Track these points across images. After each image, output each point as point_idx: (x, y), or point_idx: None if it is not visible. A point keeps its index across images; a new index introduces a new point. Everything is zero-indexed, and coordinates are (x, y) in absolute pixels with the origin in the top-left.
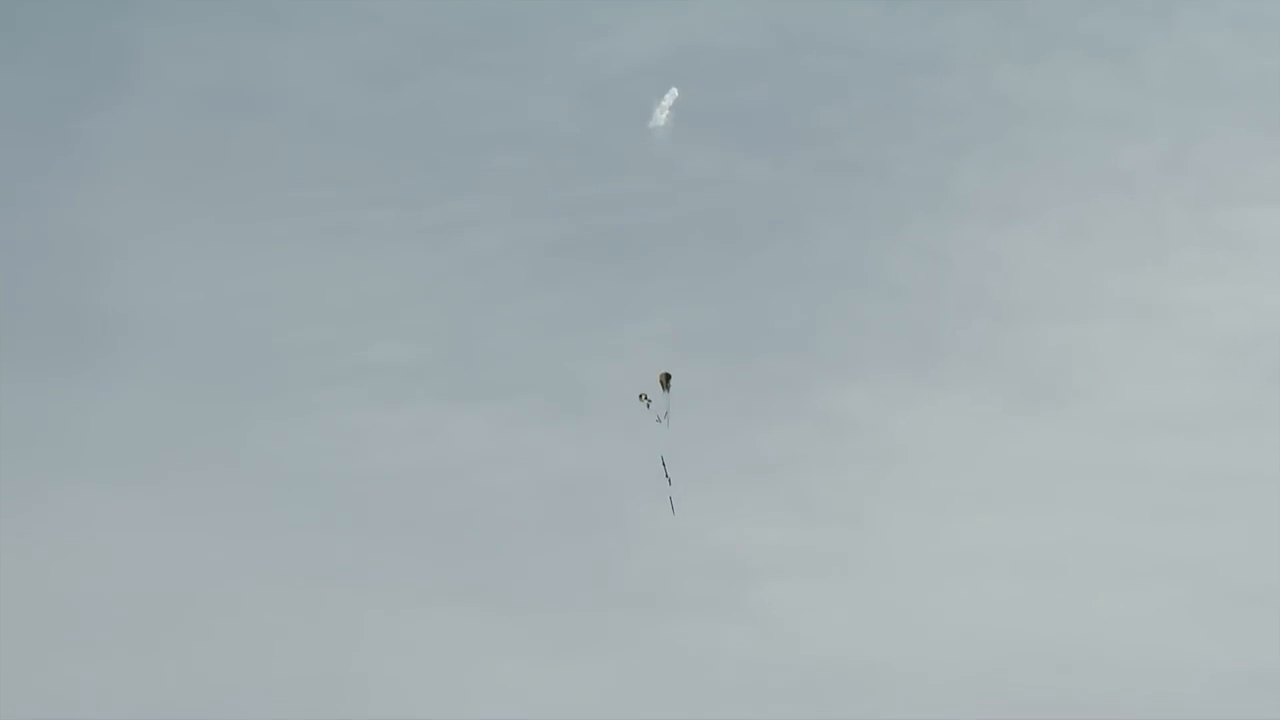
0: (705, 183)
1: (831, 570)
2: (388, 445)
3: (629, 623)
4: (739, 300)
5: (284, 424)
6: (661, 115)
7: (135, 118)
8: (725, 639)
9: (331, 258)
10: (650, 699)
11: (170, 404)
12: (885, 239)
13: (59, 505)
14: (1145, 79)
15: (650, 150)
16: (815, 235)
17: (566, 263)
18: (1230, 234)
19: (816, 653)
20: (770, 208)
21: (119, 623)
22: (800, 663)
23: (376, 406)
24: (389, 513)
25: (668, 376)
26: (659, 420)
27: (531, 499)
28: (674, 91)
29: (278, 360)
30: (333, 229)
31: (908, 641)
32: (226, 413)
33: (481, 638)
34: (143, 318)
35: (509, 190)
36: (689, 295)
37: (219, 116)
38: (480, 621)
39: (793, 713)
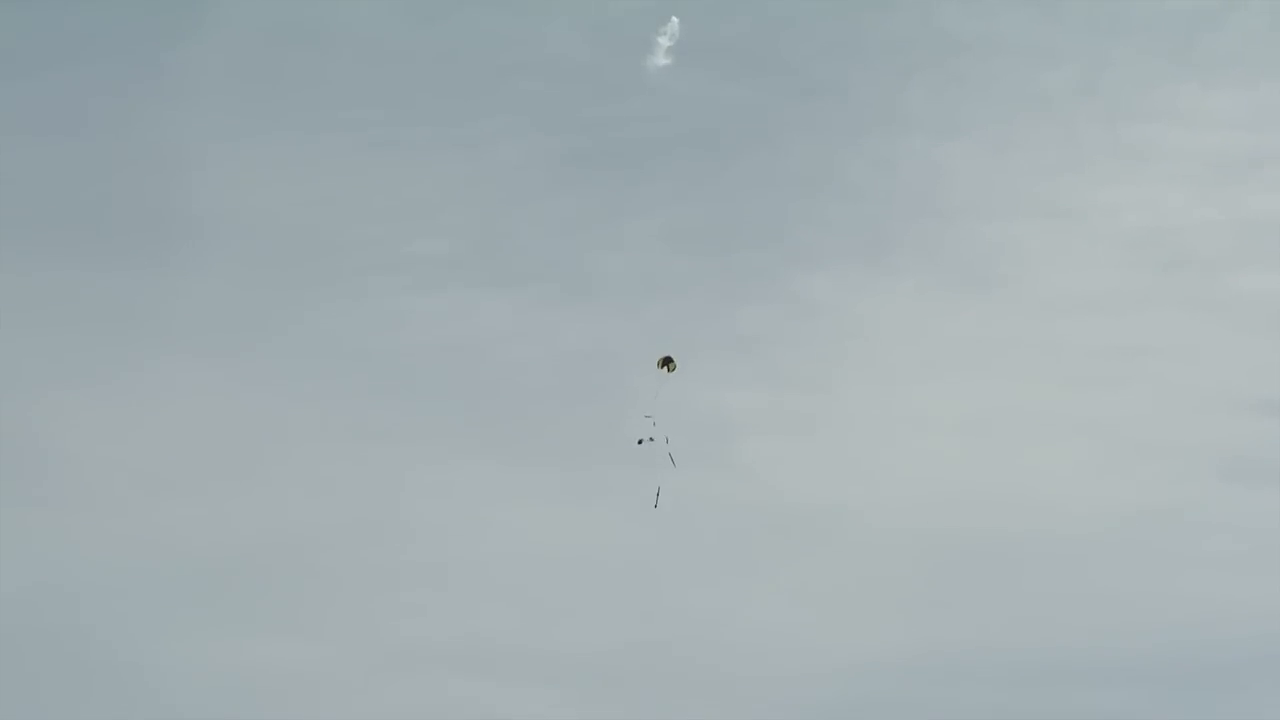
0: (694, 104)
1: (801, 430)
2: (426, 326)
3: (628, 474)
4: (721, 202)
5: (338, 307)
6: (663, 47)
7: (211, 49)
8: (710, 488)
9: (378, 167)
10: (647, 539)
11: (242, 290)
12: (844, 150)
13: (149, 374)
14: (1064, 15)
15: (649, 78)
16: (786, 147)
17: (577, 171)
18: (1135, 146)
19: (787, 498)
20: (748, 125)
21: (198, 473)
22: (775, 508)
23: (416, 293)
24: (426, 382)
25: (668, 360)
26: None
27: (546, 371)
28: (674, 20)
29: (332, 253)
30: (379, 143)
31: (866, 489)
32: (289, 297)
33: (503, 487)
34: (219, 217)
35: (529, 110)
36: (680, 198)
37: (282, 48)
38: (502, 474)
39: (768, 549)
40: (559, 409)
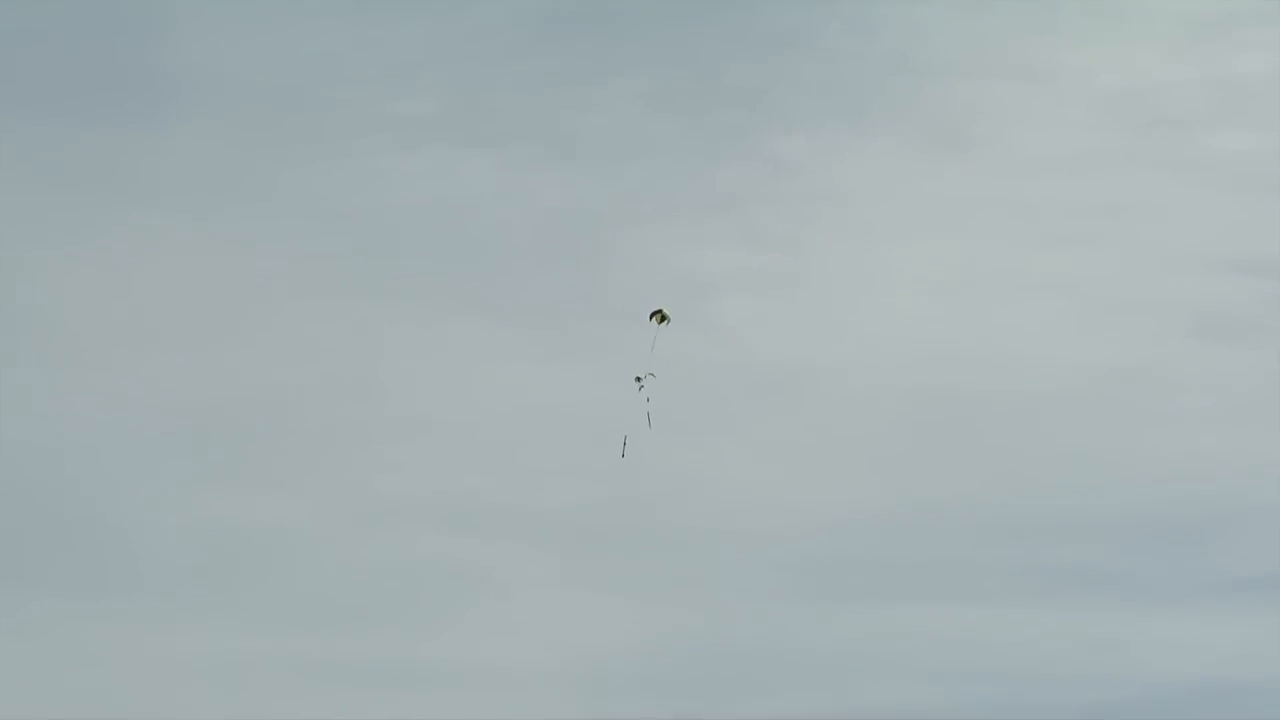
0: None
1: (778, 289)
2: (407, 185)
3: (608, 331)
4: (701, 63)
5: (318, 166)
6: None
7: None
8: (688, 345)
9: (359, 26)
10: (626, 397)
11: (223, 148)
12: (822, 11)
13: (129, 232)
14: None
15: None
16: (764, 8)
17: (559, 31)
18: (1111, 6)
19: (764, 357)
20: None
21: (179, 330)
22: (750, 365)
23: (397, 152)
24: (407, 241)
25: (661, 314)
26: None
27: (528, 229)
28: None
29: (316, 112)
30: (361, 1)
31: (842, 348)
32: (270, 156)
33: (486, 344)
34: (199, 75)
35: None
36: (660, 59)
37: None
38: (485, 331)
39: (745, 408)
40: (539, 268)
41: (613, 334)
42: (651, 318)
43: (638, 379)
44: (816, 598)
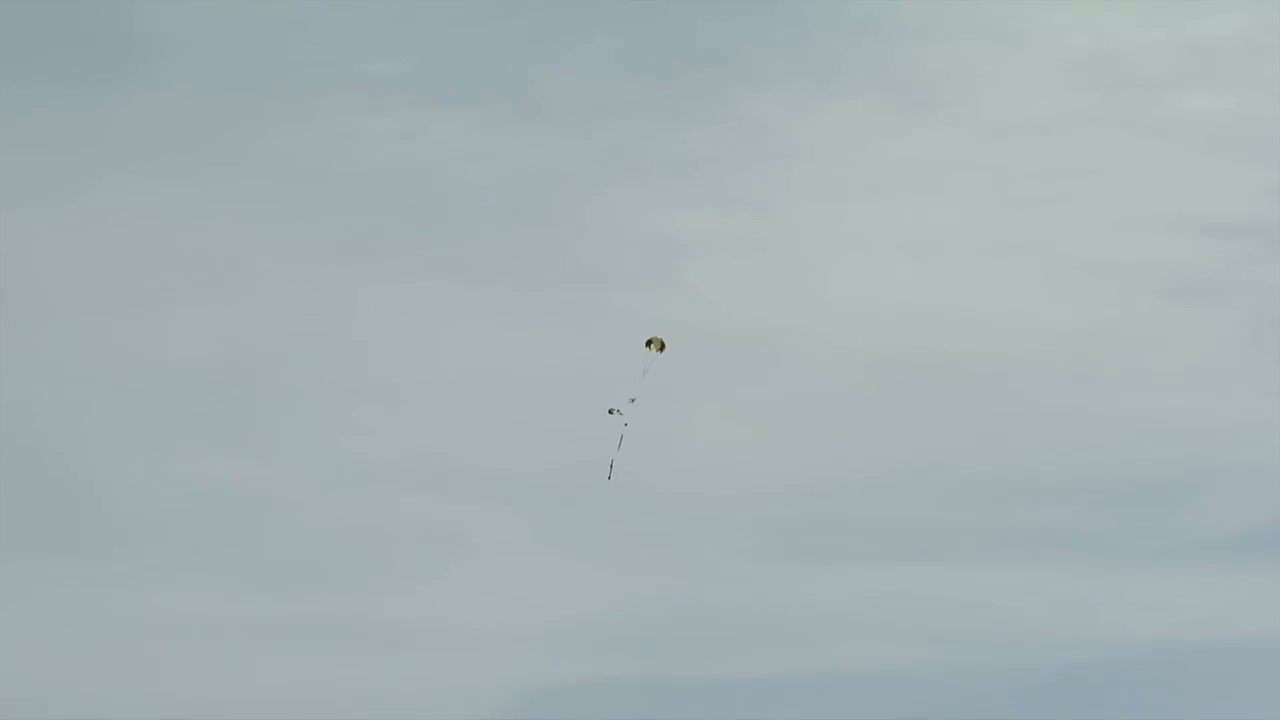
0: None
1: (747, 250)
2: (377, 146)
3: (578, 294)
4: (671, 25)
5: (289, 128)
6: None
7: None
8: (658, 307)
9: None
10: (596, 357)
11: (194, 111)
12: None
13: (103, 194)
14: None
15: None
16: None
17: None
18: None
19: (734, 319)
20: None
21: (152, 292)
22: (720, 327)
23: (368, 113)
24: (377, 202)
25: (658, 343)
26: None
27: (498, 190)
28: None
29: (287, 74)
30: None
31: (811, 310)
32: (241, 118)
33: (456, 306)
34: (172, 38)
35: None
36: (630, 21)
37: None
38: (455, 293)
39: (715, 369)
40: (510, 229)
41: (583, 296)
42: (648, 345)
43: (611, 410)
44: (788, 559)
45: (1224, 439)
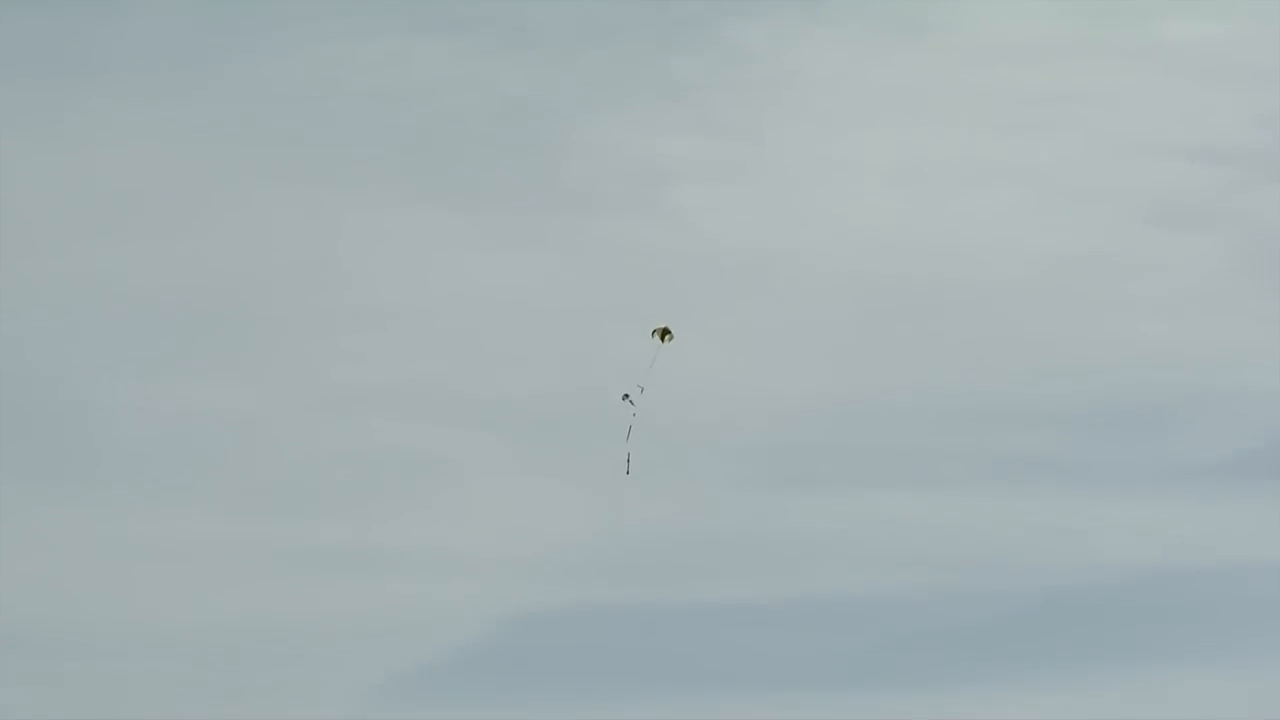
0: None
1: (734, 176)
2: (364, 71)
3: (565, 220)
4: None
5: (275, 52)
6: None
7: None
8: (644, 234)
9: None
10: (583, 284)
11: (179, 34)
12: None
13: (86, 117)
14: None
15: None
16: None
17: None
18: None
19: (721, 245)
20: None
21: (137, 217)
22: (706, 254)
23: (354, 38)
24: (364, 128)
25: (664, 332)
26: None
27: (485, 117)
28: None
29: None
30: None
31: (799, 236)
32: (226, 43)
33: (442, 233)
34: None
35: None
36: None
37: None
38: (441, 219)
39: (701, 296)
40: (497, 156)
41: (570, 222)
42: (654, 335)
43: (625, 396)
44: (774, 485)
45: (1211, 365)
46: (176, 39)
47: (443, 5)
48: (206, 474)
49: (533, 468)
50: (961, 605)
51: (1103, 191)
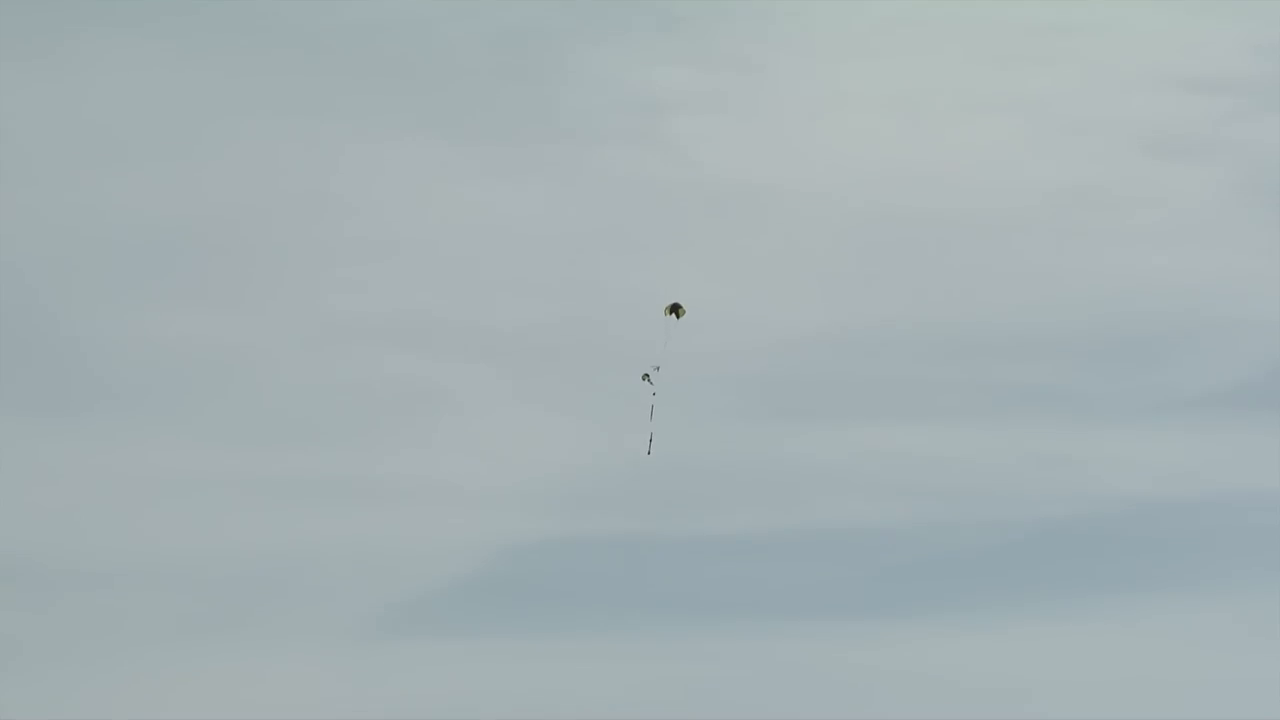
0: None
1: (731, 107)
2: (363, 1)
3: (563, 151)
4: None
5: None
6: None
7: None
8: (642, 165)
9: None
10: (580, 215)
11: None
12: None
13: (87, 47)
14: None
15: None
16: None
17: None
18: None
19: (718, 176)
20: None
21: (138, 147)
22: (704, 185)
23: None
24: (364, 59)
25: (676, 307)
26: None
27: (483, 48)
28: None
29: None
30: None
31: (795, 167)
32: None
33: (440, 164)
34: None
35: None
36: None
37: None
38: (439, 150)
39: (699, 226)
40: (494, 86)
41: (567, 153)
42: (669, 312)
43: (645, 376)
44: (770, 416)
45: (1208, 295)
46: None
47: None
48: (205, 405)
49: (531, 398)
50: (956, 535)
51: (1100, 122)
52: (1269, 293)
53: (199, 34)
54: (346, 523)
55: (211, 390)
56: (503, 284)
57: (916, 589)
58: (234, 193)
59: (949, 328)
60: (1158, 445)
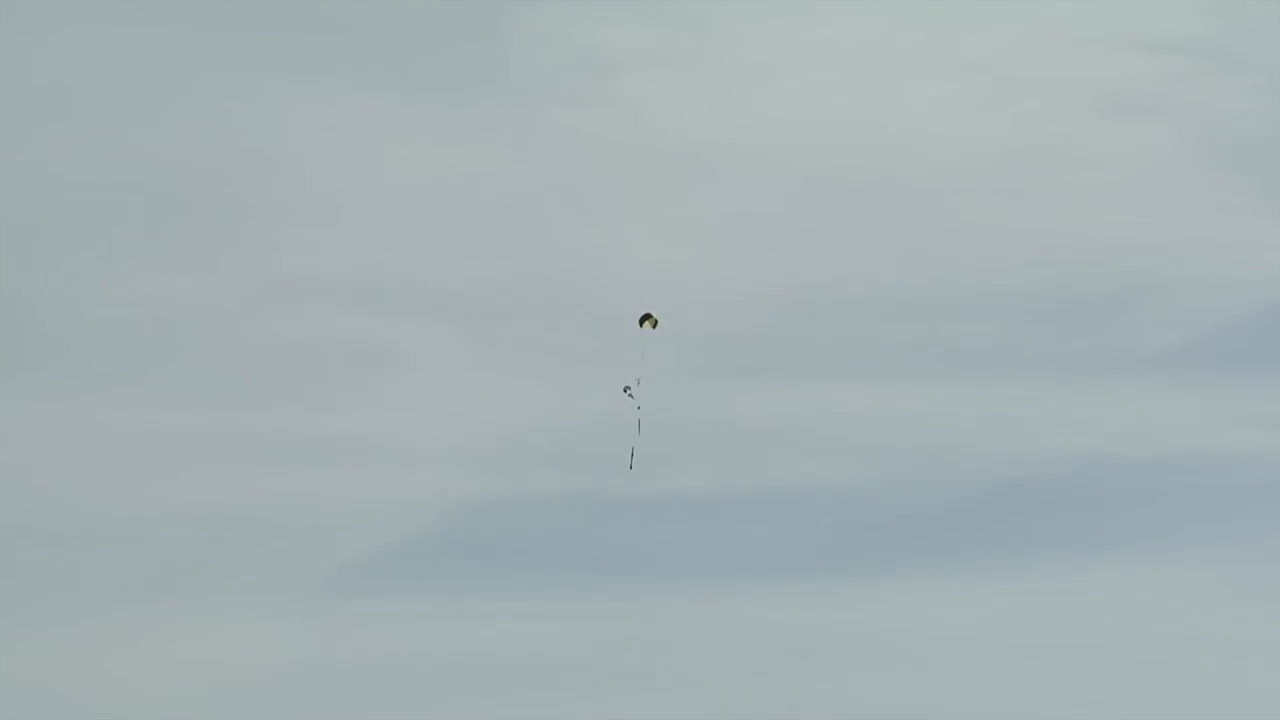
0: None
1: (682, 66)
2: None
3: (514, 110)
4: None
5: None
6: None
7: None
8: (593, 124)
9: None
10: (532, 174)
11: None
12: None
13: (33, 5)
14: None
15: None
16: None
17: None
18: None
19: (669, 135)
20: None
21: (84, 104)
22: (655, 144)
23: None
24: (314, 16)
25: (649, 317)
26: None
27: (433, 6)
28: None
29: None
30: None
31: (747, 126)
32: None
33: (391, 122)
34: None
35: None
36: None
37: None
38: (390, 108)
39: (650, 186)
40: (444, 44)
41: (519, 111)
42: (642, 323)
43: (626, 389)
44: (723, 375)
45: (1158, 255)
46: None
47: None
48: (157, 363)
49: (483, 357)
50: (909, 494)
51: (1051, 81)
52: (1219, 253)
53: None
54: (298, 481)
55: (163, 349)
56: (454, 243)
57: (869, 548)
58: (184, 151)
59: (900, 287)
60: (1108, 404)
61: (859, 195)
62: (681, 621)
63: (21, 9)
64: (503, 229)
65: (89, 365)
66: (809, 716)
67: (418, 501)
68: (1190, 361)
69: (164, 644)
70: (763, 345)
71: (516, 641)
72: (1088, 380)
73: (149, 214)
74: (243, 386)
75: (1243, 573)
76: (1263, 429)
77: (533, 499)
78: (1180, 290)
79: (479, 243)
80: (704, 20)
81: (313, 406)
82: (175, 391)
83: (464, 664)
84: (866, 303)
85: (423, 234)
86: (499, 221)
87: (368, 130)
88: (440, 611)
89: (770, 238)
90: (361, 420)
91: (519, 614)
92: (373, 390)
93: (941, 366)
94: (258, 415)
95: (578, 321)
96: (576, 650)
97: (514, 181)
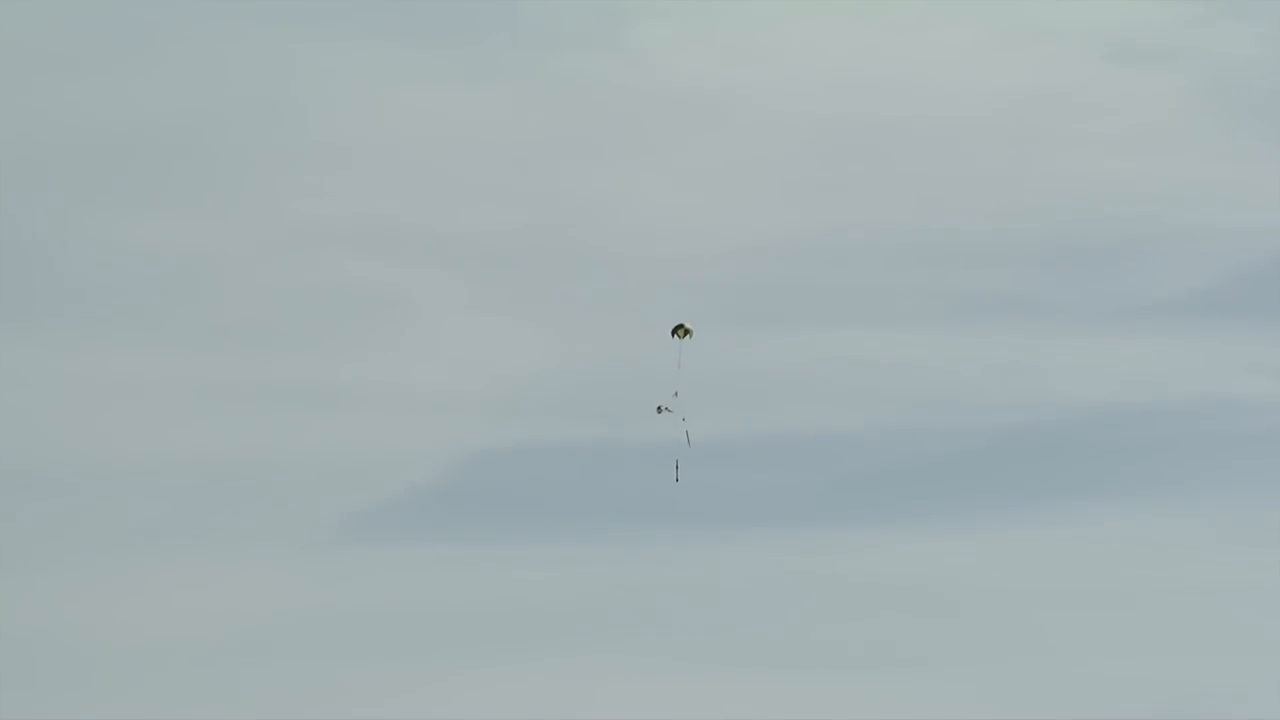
0: None
1: (694, 13)
2: None
3: (524, 57)
4: None
5: None
6: None
7: None
8: (604, 73)
9: None
10: (542, 121)
11: None
12: None
13: None
14: None
15: None
16: None
17: None
18: None
19: (680, 83)
20: None
21: (94, 52)
22: (666, 91)
23: None
24: None
25: (683, 328)
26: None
27: None
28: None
29: None
30: None
31: (757, 72)
32: None
33: (400, 69)
34: None
35: None
36: None
37: None
38: (399, 55)
39: (661, 133)
40: None
41: (528, 58)
42: (674, 333)
43: (660, 409)
44: (733, 323)
45: (1168, 202)
46: None
47: None
48: (166, 310)
49: (492, 304)
50: (918, 442)
51: (1062, 28)
52: (1229, 199)
53: None
54: (308, 428)
55: (172, 296)
56: (464, 189)
57: (878, 495)
58: (193, 98)
59: (910, 234)
60: (1119, 351)
61: (869, 142)
62: (689, 567)
63: None
64: (513, 176)
65: (98, 313)
66: (821, 661)
67: (427, 448)
68: (1201, 308)
69: (174, 590)
70: (773, 292)
71: (527, 588)
72: (1099, 327)
73: (158, 162)
74: (252, 333)
75: (1252, 519)
76: (1274, 376)
77: (543, 446)
78: (1192, 237)
79: (488, 189)
80: None
81: (323, 353)
82: (185, 338)
83: (473, 611)
84: (877, 250)
85: (432, 181)
86: (509, 168)
87: (377, 77)
88: (451, 559)
89: (779, 185)
90: (372, 367)
91: (529, 561)
92: (383, 338)
93: (952, 313)
94: (268, 362)
95: (588, 268)
96: (586, 597)
97: (524, 128)
